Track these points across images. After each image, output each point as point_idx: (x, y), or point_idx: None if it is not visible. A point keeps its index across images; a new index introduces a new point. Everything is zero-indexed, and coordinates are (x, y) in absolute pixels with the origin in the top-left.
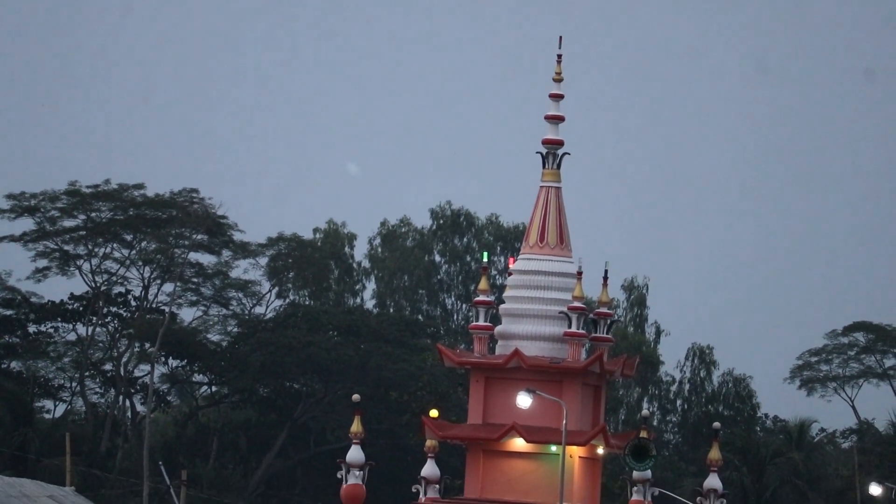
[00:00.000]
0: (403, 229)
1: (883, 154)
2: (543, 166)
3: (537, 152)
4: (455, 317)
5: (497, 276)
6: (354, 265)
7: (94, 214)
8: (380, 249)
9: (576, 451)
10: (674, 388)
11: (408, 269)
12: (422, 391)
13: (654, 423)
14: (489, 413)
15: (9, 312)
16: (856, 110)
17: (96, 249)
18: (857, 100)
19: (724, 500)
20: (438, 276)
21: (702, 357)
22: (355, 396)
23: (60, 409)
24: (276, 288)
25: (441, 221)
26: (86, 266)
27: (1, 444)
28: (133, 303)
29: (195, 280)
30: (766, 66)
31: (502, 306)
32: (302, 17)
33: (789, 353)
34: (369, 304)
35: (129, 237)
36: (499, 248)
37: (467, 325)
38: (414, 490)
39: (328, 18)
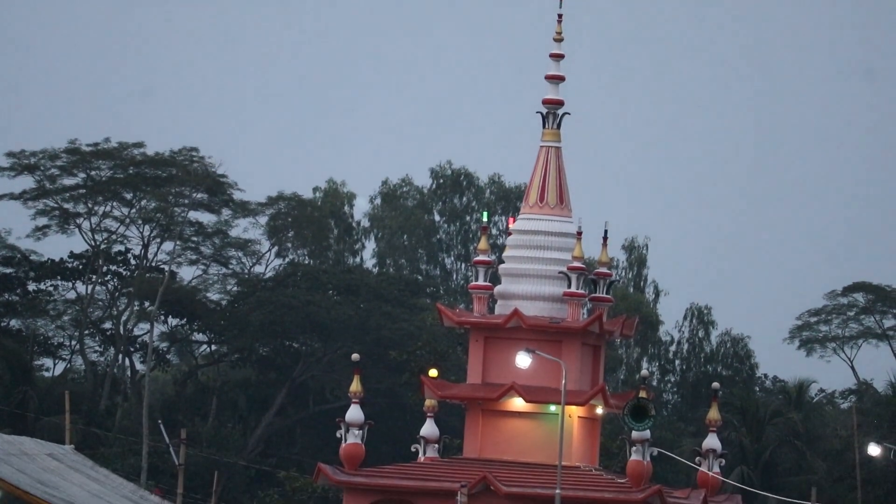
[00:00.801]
0: (405, 189)
1: (884, 118)
2: (543, 126)
3: (537, 112)
4: (455, 276)
5: (498, 236)
6: (354, 224)
7: (93, 173)
8: (380, 209)
9: (575, 411)
10: (672, 348)
11: (408, 229)
12: (421, 351)
13: (654, 383)
14: (488, 373)
15: (8, 270)
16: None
17: (96, 208)
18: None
19: (723, 460)
20: (438, 236)
21: (700, 317)
22: (355, 356)
23: (60, 367)
24: (276, 247)
25: (441, 181)
26: (85, 224)
27: (0, 402)
28: (133, 261)
29: (195, 239)
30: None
31: (502, 266)
32: None
33: (789, 313)
34: (369, 263)
35: (128, 196)
36: (500, 208)
37: (467, 284)
38: (413, 449)
39: None
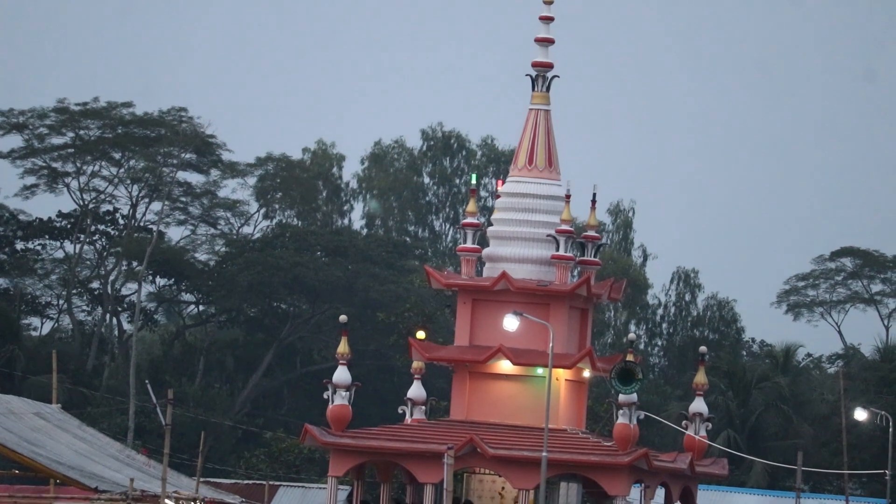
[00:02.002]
0: (395, 150)
1: (879, 80)
2: (533, 89)
3: (527, 75)
4: (443, 239)
5: (487, 199)
6: (342, 186)
7: (82, 132)
8: (369, 170)
9: (562, 374)
10: (660, 311)
11: (396, 191)
12: (409, 312)
13: (641, 346)
14: (476, 335)
15: None
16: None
17: (84, 167)
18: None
19: (710, 424)
20: (427, 198)
21: (687, 281)
22: (342, 317)
23: (47, 326)
24: (264, 208)
25: (431, 143)
26: (74, 184)
27: None
28: (121, 221)
29: (183, 199)
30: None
31: (490, 229)
32: None
33: (776, 277)
34: (357, 225)
35: (117, 155)
36: (491, 170)
37: (455, 247)
38: (400, 411)
39: None
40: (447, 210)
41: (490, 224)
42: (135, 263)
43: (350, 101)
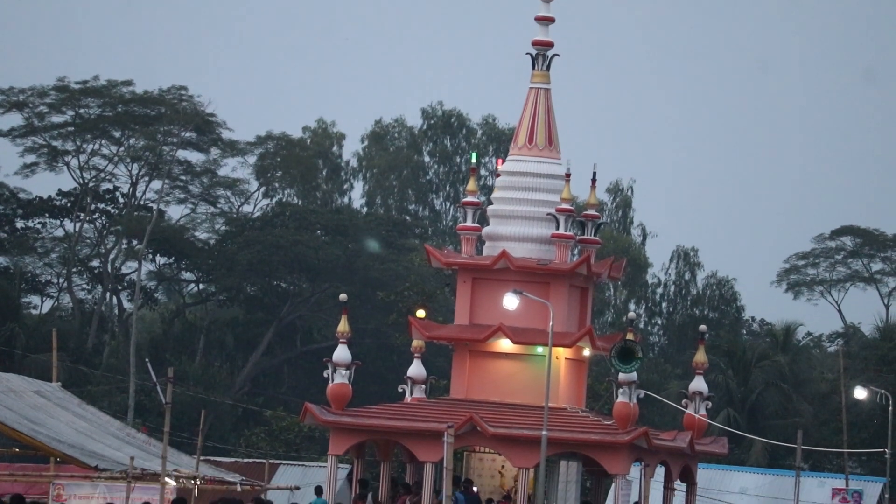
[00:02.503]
0: (396, 129)
1: (880, 56)
2: (533, 68)
3: (527, 53)
4: (444, 217)
5: (487, 178)
6: (342, 164)
7: (82, 111)
8: (370, 149)
9: (562, 353)
10: (660, 290)
11: (397, 169)
12: (409, 291)
13: (641, 325)
14: (476, 314)
15: None
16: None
17: (84, 146)
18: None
19: (710, 403)
20: (428, 177)
21: (686, 259)
22: (342, 296)
23: (47, 304)
24: (264, 187)
25: (432, 122)
26: (74, 162)
27: None
28: (121, 200)
29: (183, 178)
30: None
31: (490, 207)
32: None
33: (776, 256)
34: (357, 203)
35: (117, 134)
36: (492, 149)
37: (455, 225)
38: (400, 390)
39: None
40: (447, 189)
41: (490, 203)
42: (135, 242)
43: (350, 80)
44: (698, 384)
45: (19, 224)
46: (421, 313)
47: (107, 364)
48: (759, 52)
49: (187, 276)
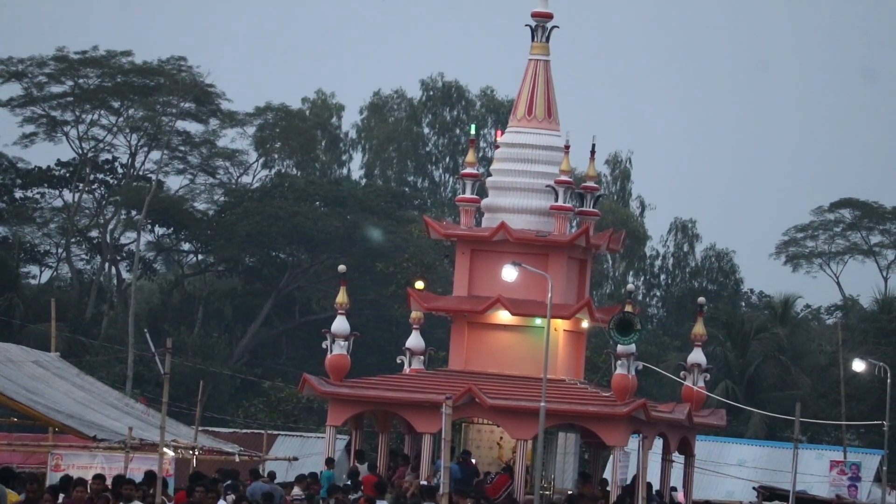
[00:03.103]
0: (395, 101)
1: (879, 31)
2: (532, 39)
3: (526, 25)
4: (443, 189)
5: (486, 149)
6: (341, 136)
7: (81, 81)
8: (369, 120)
9: (560, 325)
10: (658, 262)
11: (396, 140)
12: (408, 263)
13: (639, 297)
14: (474, 285)
15: None
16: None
17: (83, 116)
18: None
19: (708, 375)
20: (427, 148)
21: (684, 231)
22: (341, 267)
23: (46, 274)
24: (263, 158)
25: (431, 93)
26: (73, 132)
27: None
28: (120, 170)
29: (182, 148)
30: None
31: (489, 179)
32: None
33: (775, 228)
34: (356, 175)
35: (116, 104)
36: (491, 121)
37: (454, 197)
38: (398, 361)
39: None
40: (447, 160)
41: (489, 174)
42: (133, 212)
43: (350, 52)
44: (697, 356)
45: (18, 194)
46: (419, 285)
47: (105, 334)
48: (759, 32)
49: (186, 246)
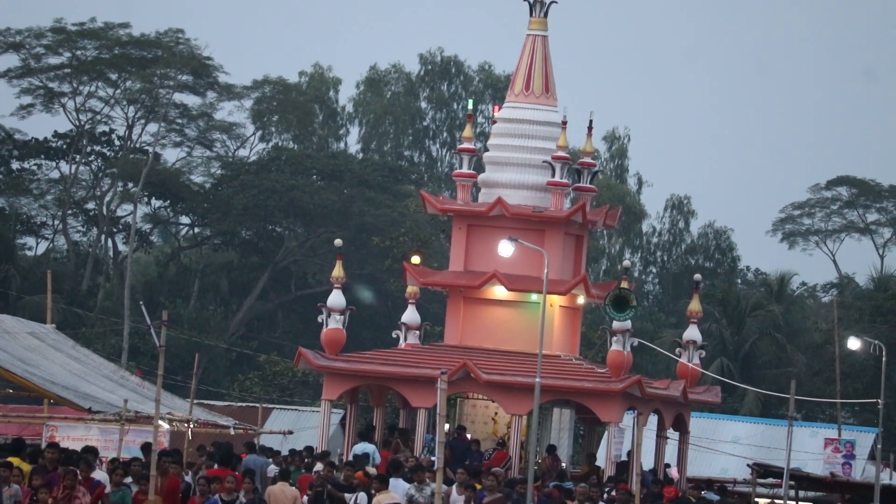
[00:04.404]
0: (394, 74)
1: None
2: (531, 14)
3: (524, 0)
4: (440, 164)
5: (483, 125)
6: (339, 110)
7: (79, 52)
8: (366, 94)
9: (556, 301)
10: (654, 239)
11: (393, 115)
12: (404, 237)
13: (636, 273)
14: (471, 261)
15: None
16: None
17: (81, 88)
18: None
19: (703, 352)
20: (424, 123)
21: (680, 208)
22: (337, 241)
23: (42, 246)
24: (260, 131)
25: (430, 67)
26: (70, 104)
27: None
28: (117, 142)
29: (179, 121)
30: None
31: (486, 154)
32: None
33: (772, 206)
34: (353, 149)
35: (113, 76)
36: (488, 95)
37: (451, 172)
38: (394, 335)
39: None
40: (444, 135)
41: (486, 150)
42: (130, 185)
43: (348, 26)
44: (692, 333)
45: (15, 165)
46: (416, 259)
47: (101, 306)
48: (758, 8)
49: (182, 219)
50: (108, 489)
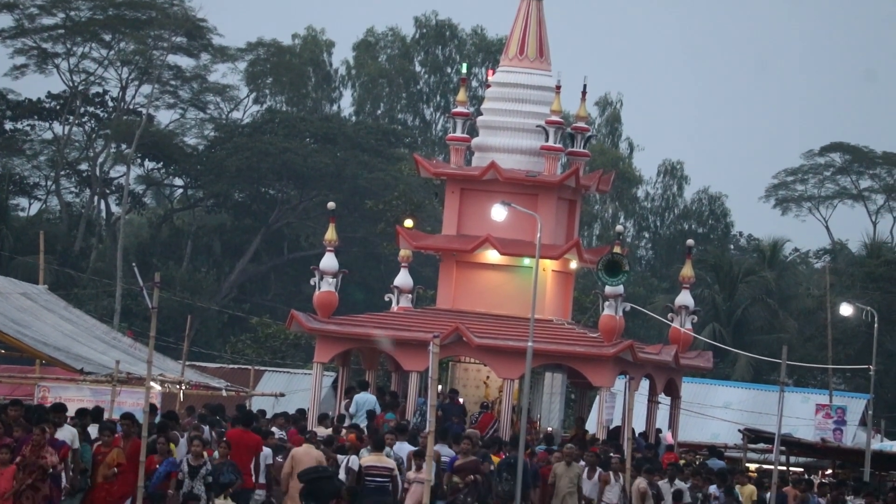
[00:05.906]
0: (390, 38)
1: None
2: None
3: None
4: (433, 128)
5: (477, 88)
6: (332, 72)
7: (73, 13)
8: (361, 57)
9: (549, 265)
10: (647, 204)
11: (388, 78)
12: (397, 201)
13: (628, 238)
14: (464, 224)
15: None
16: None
17: (74, 48)
18: None
19: (696, 317)
20: (418, 86)
21: (673, 173)
22: (330, 204)
23: (35, 207)
24: (254, 93)
25: (424, 31)
26: (64, 65)
27: None
28: (110, 103)
29: (173, 83)
30: None
31: (480, 118)
32: None
33: (765, 171)
34: (347, 112)
35: (107, 37)
36: (481, 59)
37: (445, 136)
38: (386, 299)
39: None
40: (438, 99)
41: (480, 114)
42: (123, 146)
43: None
44: (684, 298)
45: (8, 126)
46: (409, 223)
47: (94, 268)
48: None
49: (175, 181)
50: (76, 445)
